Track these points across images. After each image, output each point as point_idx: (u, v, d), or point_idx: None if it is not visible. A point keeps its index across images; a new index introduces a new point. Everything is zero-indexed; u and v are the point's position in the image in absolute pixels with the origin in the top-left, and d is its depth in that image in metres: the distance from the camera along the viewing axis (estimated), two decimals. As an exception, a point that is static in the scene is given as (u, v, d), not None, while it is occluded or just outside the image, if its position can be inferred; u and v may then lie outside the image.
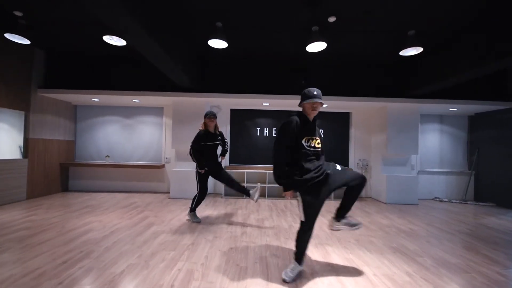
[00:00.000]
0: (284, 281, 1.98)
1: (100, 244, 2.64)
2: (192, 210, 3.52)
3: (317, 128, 2.14)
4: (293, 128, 1.96)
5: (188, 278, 1.99)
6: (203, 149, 3.38)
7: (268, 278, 2.04)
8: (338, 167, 2.13)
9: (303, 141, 1.98)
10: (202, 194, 3.50)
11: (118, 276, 2.00)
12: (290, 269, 2.05)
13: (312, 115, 2.06)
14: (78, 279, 1.95)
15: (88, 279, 1.95)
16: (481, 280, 2.12)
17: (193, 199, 3.52)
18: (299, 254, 2.06)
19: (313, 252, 2.58)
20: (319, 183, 1.97)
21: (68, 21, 3.63)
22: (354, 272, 2.19)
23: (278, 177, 2.01)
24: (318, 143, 2.05)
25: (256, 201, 3.41)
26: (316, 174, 1.96)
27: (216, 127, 3.50)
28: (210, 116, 3.37)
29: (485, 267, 2.37)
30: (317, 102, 1.99)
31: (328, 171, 2.02)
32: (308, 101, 2.01)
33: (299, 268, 2.07)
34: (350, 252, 2.60)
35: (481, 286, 2.02)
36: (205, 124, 3.41)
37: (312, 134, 2.03)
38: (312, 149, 2.00)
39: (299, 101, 2.11)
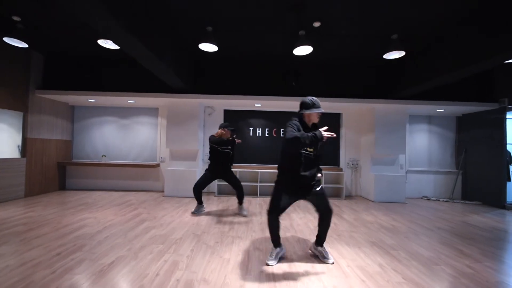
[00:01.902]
0: (268, 265, 2.23)
1: (93, 238, 2.78)
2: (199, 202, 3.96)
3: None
4: (298, 127, 2.15)
5: (173, 268, 2.14)
6: (215, 151, 3.83)
7: (247, 268, 2.19)
8: (320, 188, 2.35)
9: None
10: (197, 188, 3.85)
11: (107, 267, 2.14)
12: (270, 254, 2.33)
13: (310, 123, 2.25)
14: (70, 269, 2.09)
15: (79, 269, 2.09)
16: (449, 272, 2.26)
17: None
18: (273, 239, 2.34)
19: (294, 246, 2.72)
20: (302, 189, 2.26)
21: (64, 25, 3.78)
22: (329, 264, 2.33)
23: (305, 140, 1.98)
24: (315, 148, 2.22)
25: (245, 215, 3.90)
26: (307, 183, 2.24)
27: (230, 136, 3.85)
28: (226, 127, 3.77)
29: (456, 260, 2.51)
30: (316, 112, 2.18)
31: (318, 189, 2.30)
32: (307, 111, 2.19)
33: (276, 250, 2.34)
34: (330, 246, 2.74)
35: (447, 278, 2.16)
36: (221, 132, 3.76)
37: None
38: (307, 153, 2.18)
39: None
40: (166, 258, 2.32)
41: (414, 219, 3.98)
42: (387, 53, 3.75)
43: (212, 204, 4.67)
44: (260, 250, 2.59)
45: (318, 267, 2.26)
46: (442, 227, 3.61)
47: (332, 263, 2.34)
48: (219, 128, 3.78)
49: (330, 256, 2.40)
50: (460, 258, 2.57)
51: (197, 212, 3.90)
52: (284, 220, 3.69)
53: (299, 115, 2.27)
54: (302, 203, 4.95)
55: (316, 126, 2.28)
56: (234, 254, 2.48)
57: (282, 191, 2.28)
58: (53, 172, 5.43)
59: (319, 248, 2.44)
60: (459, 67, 3.53)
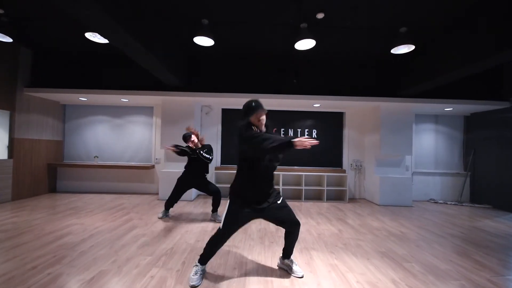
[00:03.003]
0: (193, 286, 1.88)
1: (75, 248, 2.54)
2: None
3: (270, 132, 2.05)
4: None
5: (160, 286, 1.89)
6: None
7: (245, 282, 1.94)
8: (281, 200, 2.09)
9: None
10: (169, 200, 3.70)
11: (86, 284, 1.90)
12: (194, 273, 1.98)
13: (260, 126, 1.95)
14: (44, 286, 1.85)
15: (54, 286, 1.85)
16: (469, 288, 2.02)
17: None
18: (207, 257, 2.03)
19: (297, 258, 2.47)
20: (260, 209, 1.95)
21: (52, 18, 3.53)
22: (336, 279, 2.09)
23: (275, 143, 1.69)
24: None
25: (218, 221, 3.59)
26: (269, 200, 1.98)
27: (196, 144, 3.62)
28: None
29: (475, 273, 2.27)
30: (261, 113, 1.90)
31: (279, 202, 2.03)
32: (253, 114, 1.90)
33: (202, 267, 2.03)
34: (336, 258, 2.50)
35: (469, 295, 1.92)
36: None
37: None
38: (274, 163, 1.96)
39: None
40: (153, 273, 2.08)
41: (423, 225, 3.74)
42: (395, 48, 3.51)
43: (208, 208, 4.41)
44: (258, 264, 2.34)
45: (324, 283, 2.01)
46: (454, 234, 3.36)
47: (302, 277, 2.08)
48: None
49: (298, 268, 2.14)
50: (479, 271, 2.33)
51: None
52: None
53: (246, 123, 1.92)
54: (303, 207, 4.71)
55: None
56: (230, 268, 2.23)
57: (238, 207, 1.95)
58: (43, 174, 5.18)
59: (286, 260, 2.19)
60: (469, 62, 3.30)
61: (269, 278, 2.07)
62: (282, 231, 3.25)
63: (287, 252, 2.17)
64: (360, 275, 2.16)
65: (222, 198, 3.64)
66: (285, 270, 2.20)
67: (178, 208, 4.26)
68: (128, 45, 2.92)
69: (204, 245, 2.08)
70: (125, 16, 2.56)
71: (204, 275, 2.05)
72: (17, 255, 2.35)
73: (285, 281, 2.03)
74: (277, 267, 2.26)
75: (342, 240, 2.98)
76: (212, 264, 2.27)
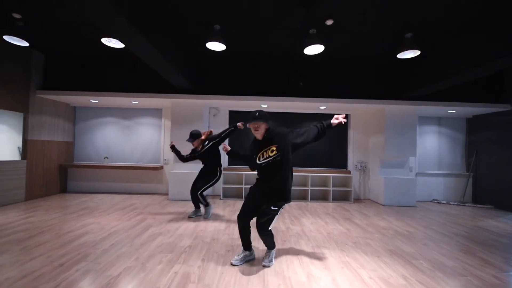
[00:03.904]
0: (232, 264, 2.27)
1: (97, 246, 2.64)
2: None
3: (275, 137, 2.23)
4: (249, 146, 2.34)
5: (185, 281, 2.00)
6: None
7: (264, 282, 2.05)
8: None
9: (256, 158, 2.26)
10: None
11: (115, 279, 2.00)
12: (237, 255, 2.36)
13: (256, 134, 2.24)
14: (75, 282, 1.95)
15: (85, 282, 1.95)
16: (476, 284, 2.13)
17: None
18: (242, 242, 2.37)
19: (310, 255, 2.58)
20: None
21: (66, 23, 3.65)
22: (349, 275, 2.20)
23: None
24: (273, 151, 2.19)
25: (206, 217, 3.85)
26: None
27: (200, 141, 3.73)
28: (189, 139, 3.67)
29: (481, 270, 2.38)
30: (254, 123, 2.18)
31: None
32: (249, 124, 2.23)
33: (244, 253, 2.36)
34: (347, 255, 2.61)
35: (477, 290, 2.03)
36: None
37: (261, 149, 2.23)
38: (264, 161, 2.22)
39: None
40: (177, 270, 2.18)
41: (428, 224, 3.85)
42: (401, 53, 3.62)
43: (218, 208, 4.53)
44: (275, 260, 2.45)
45: (339, 279, 2.12)
46: (459, 233, 3.48)
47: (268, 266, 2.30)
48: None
49: (271, 260, 2.35)
50: (485, 268, 2.44)
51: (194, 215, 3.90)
52: (295, 226, 3.55)
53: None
54: (310, 207, 4.83)
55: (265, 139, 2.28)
56: (248, 264, 2.34)
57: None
58: (54, 174, 5.29)
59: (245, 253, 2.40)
60: (474, 66, 3.41)
61: (286, 274, 2.17)
62: (292, 229, 3.38)
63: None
64: (372, 271, 2.27)
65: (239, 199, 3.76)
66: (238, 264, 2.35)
67: (189, 208, 4.37)
68: (143, 50, 3.03)
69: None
70: (142, 21, 2.67)
71: (244, 259, 2.37)
72: (42, 253, 2.45)
73: (301, 276, 2.14)
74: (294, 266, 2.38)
75: (352, 239, 3.09)
76: (230, 260, 2.38)
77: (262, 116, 2.18)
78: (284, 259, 2.48)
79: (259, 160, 2.24)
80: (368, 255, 2.63)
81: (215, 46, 3.55)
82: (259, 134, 2.22)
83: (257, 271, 2.21)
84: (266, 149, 2.20)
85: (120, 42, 3.56)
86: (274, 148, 2.17)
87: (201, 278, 2.06)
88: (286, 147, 2.18)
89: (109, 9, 2.16)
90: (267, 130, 2.24)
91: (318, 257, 2.54)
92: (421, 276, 2.22)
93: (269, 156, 2.18)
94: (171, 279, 2.03)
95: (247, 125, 2.29)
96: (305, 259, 2.49)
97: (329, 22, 3.36)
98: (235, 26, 3.60)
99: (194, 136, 3.63)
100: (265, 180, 2.29)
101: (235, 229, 3.33)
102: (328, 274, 2.20)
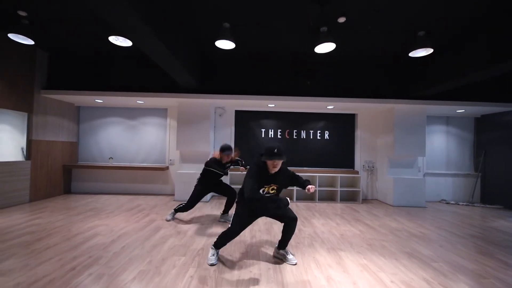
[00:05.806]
0: (210, 265, 2.26)
1: (108, 249, 2.58)
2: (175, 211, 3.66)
3: (281, 176, 2.30)
4: (255, 174, 2.22)
5: (202, 286, 1.93)
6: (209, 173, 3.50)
7: (284, 286, 1.99)
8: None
9: (260, 189, 2.24)
10: (187, 207, 3.57)
11: (130, 283, 1.94)
12: (211, 255, 2.36)
13: (272, 171, 2.22)
14: (89, 287, 1.89)
15: (99, 287, 1.89)
16: (500, 286, 2.07)
17: (180, 205, 3.63)
18: (220, 244, 2.38)
19: (326, 258, 2.52)
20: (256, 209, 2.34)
21: (72, 21, 3.57)
22: (370, 279, 2.13)
23: (266, 204, 2.24)
24: (273, 189, 2.30)
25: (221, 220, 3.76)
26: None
27: (231, 159, 3.51)
28: (227, 151, 3.37)
29: (503, 272, 2.32)
30: (275, 160, 2.15)
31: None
32: (268, 159, 2.16)
33: (216, 250, 2.39)
34: (364, 258, 2.55)
35: (502, 294, 1.97)
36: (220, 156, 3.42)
37: (267, 184, 2.26)
38: (265, 194, 2.28)
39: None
40: (192, 273, 2.12)
41: (441, 225, 3.79)
42: (413, 51, 3.55)
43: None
44: (290, 265, 2.38)
45: (360, 283, 2.06)
46: (473, 234, 3.42)
47: (295, 264, 2.34)
48: (220, 151, 3.38)
49: (292, 257, 2.40)
50: (506, 270, 2.38)
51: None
52: (307, 228, 3.49)
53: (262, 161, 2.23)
54: (318, 207, 4.76)
55: (276, 174, 2.26)
56: (264, 268, 2.28)
57: (245, 211, 2.36)
58: (59, 175, 5.21)
59: (281, 251, 2.46)
60: (488, 65, 3.35)
61: (305, 278, 2.11)
62: (304, 231, 3.31)
63: (283, 244, 2.43)
64: (393, 275, 2.21)
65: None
66: (280, 259, 2.44)
67: (196, 209, 4.30)
68: (152, 48, 2.96)
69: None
70: (153, 19, 2.60)
71: (218, 256, 2.40)
72: (52, 257, 2.39)
73: (321, 280, 2.08)
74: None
75: (366, 241, 3.03)
76: (246, 264, 2.31)
77: (282, 154, 2.17)
78: (300, 262, 2.41)
79: (262, 191, 2.28)
80: (386, 257, 2.57)
81: (224, 44, 3.48)
82: (275, 170, 2.23)
83: (275, 275, 2.14)
84: (269, 185, 2.28)
85: (127, 40, 3.49)
86: (275, 188, 2.31)
87: (217, 283, 1.99)
88: (283, 187, 2.38)
89: (125, 5, 2.10)
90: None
91: (335, 260, 2.48)
92: (443, 279, 2.16)
93: (269, 192, 2.30)
94: (187, 283, 1.96)
95: (262, 159, 2.19)
96: (322, 261, 2.43)
97: (342, 19, 3.30)
98: (243, 24, 3.53)
99: (231, 150, 3.46)
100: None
101: (245, 232, 3.26)
102: (348, 278, 2.14)
